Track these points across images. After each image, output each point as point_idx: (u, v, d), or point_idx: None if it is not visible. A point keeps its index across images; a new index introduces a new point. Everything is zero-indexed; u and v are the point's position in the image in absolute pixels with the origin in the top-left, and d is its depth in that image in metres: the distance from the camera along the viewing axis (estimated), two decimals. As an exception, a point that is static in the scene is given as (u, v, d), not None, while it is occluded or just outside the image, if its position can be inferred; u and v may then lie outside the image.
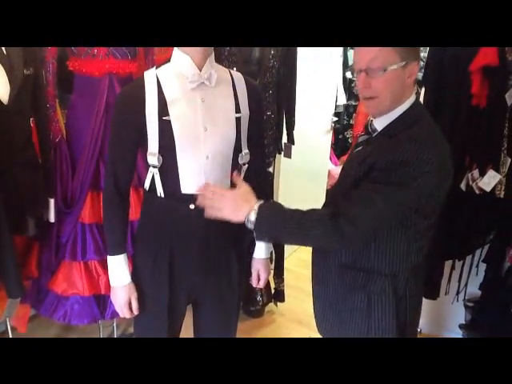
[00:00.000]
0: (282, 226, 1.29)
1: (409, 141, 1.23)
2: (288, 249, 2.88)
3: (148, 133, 1.40)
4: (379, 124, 1.35)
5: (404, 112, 1.31)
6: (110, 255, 1.53)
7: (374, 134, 1.36)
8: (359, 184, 1.27)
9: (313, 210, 1.29)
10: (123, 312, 1.58)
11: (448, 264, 2.38)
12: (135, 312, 1.60)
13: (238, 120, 1.48)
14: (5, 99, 1.66)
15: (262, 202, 1.32)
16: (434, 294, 2.31)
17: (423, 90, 2.22)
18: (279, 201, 2.92)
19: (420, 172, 1.20)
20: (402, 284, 1.37)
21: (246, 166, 1.55)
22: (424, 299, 2.34)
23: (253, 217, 1.29)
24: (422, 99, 2.26)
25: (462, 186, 2.13)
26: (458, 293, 2.45)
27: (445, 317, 2.80)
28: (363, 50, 1.27)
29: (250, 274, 1.74)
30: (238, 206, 1.32)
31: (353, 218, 1.22)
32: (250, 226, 1.31)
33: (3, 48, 1.65)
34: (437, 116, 2.09)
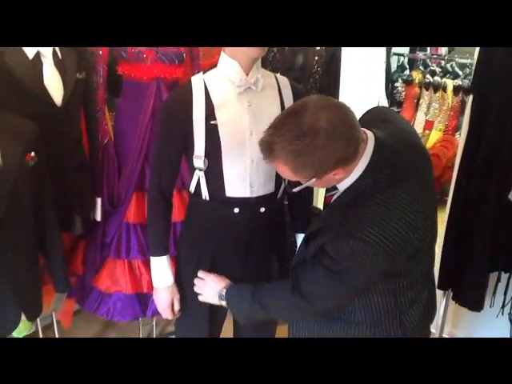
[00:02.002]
0: (248, 307, 1.37)
1: (348, 233, 1.12)
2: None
3: (194, 137, 1.43)
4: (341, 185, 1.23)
5: (358, 178, 1.18)
6: (153, 256, 1.57)
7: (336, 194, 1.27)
8: (312, 258, 1.22)
9: (271, 286, 1.37)
10: (165, 313, 1.61)
11: (493, 276, 2.31)
12: (177, 313, 1.62)
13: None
14: (58, 102, 1.72)
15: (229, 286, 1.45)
16: (478, 306, 2.24)
17: (471, 97, 2.17)
18: (318, 205, 2.90)
19: (365, 266, 1.12)
20: (395, 326, 1.29)
21: (290, 170, 1.55)
22: (467, 311, 2.30)
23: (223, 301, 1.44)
24: (469, 107, 2.22)
25: (510, 196, 2.07)
26: (503, 306, 2.37)
27: (488, 331, 2.72)
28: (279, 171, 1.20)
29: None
30: (214, 287, 1.47)
31: (308, 296, 1.22)
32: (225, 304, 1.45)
33: (58, 53, 1.71)
34: (483, 124, 2.04)
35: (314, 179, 1.15)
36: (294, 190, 1.26)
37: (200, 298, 1.53)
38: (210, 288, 1.49)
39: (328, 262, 1.16)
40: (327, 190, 1.45)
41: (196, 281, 1.53)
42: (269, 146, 1.12)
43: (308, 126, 1.06)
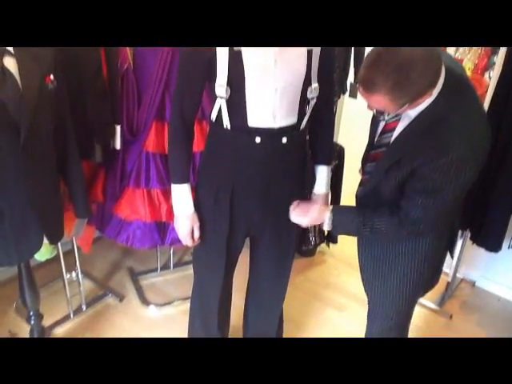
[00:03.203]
0: (356, 230, 1.48)
1: (440, 151, 1.23)
2: (345, 189, 2.84)
3: (217, 64, 1.38)
4: (412, 112, 1.32)
5: (432, 103, 1.28)
6: (175, 183, 1.57)
7: (403, 124, 1.37)
8: (404, 184, 1.35)
9: (380, 215, 1.42)
10: (186, 240, 1.63)
11: (513, 218, 2.29)
12: (196, 241, 1.65)
13: (309, 53, 1.42)
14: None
15: (334, 208, 1.51)
16: (496, 247, 2.24)
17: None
18: (338, 142, 2.86)
19: (461, 175, 1.25)
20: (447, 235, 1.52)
21: (315, 100, 1.51)
22: (484, 251, 2.30)
23: (328, 222, 1.51)
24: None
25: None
26: (521, 248, 2.36)
27: (504, 271, 2.73)
28: (369, 101, 1.27)
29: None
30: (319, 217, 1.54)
31: (415, 220, 1.35)
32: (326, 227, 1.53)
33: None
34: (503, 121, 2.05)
35: (407, 105, 1.23)
36: (386, 119, 1.36)
37: (302, 222, 1.58)
38: (314, 212, 1.54)
39: (422, 185, 1.29)
40: (374, 148, 1.51)
41: (298, 209, 1.56)
42: (370, 81, 1.19)
43: (406, 58, 1.15)
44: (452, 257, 1.64)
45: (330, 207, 1.52)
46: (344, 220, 1.51)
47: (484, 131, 1.32)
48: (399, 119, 1.38)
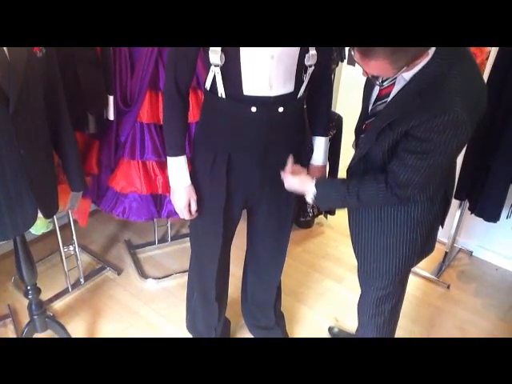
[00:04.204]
0: (341, 200, 1.44)
1: (437, 110, 1.20)
2: (343, 160, 2.81)
3: None
4: (406, 75, 1.29)
5: (427, 63, 1.25)
6: (170, 156, 1.54)
7: (397, 88, 1.33)
8: (396, 147, 1.32)
9: (366, 181, 1.38)
10: (183, 213, 1.61)
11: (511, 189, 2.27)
12: (194, 214, 1.63)
13: (306, 18, 1.38)
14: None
15: (317, 181, 1.47)
16: (494, 217, 2.23)
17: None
18: (336, 111, 2.82)
19: (456, 136, 1.22)
20: (442, 201, 1.50)
21: (312, 68, 1.47)
22: (482, 221, 2.29)
23: (310, 195, 1.47)
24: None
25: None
26: (519, 218, 2.35)
27: (501, 241, 2.74)
28: (365, 67, 1.24)
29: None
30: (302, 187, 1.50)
31: (404, 183, 1.32)
32: (309, 199, 1.49)
33: None
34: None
35: (405, 67, 1.21)
36: (383, 84, 1.35)
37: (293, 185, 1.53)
38: (299, 183, 1.50)
39: (415, 146, 1.26)
40: (369, 117, 1.47)
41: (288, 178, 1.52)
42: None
43: None
44: (442, 227, 1.61)
45: (314, 180, 1.48)
46: (328, 191, 1.47)
47: (481, 90, 1.30)
48: (393, 83, 1.35)
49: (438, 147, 1.23)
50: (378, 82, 1.33)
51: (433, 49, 1.22)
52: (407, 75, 1.28)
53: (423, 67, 1.24)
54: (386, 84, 1.36)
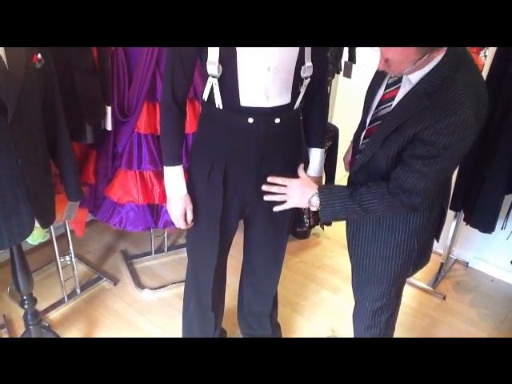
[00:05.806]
0: (345, 209, 1.40)
1: (447, 111, 1.20)
2: (340, 170, 2.83)
3: None
4: (413, 77, 1.30)
5: (436, 66, 1.25)
6: (167, 166, 1.55)
7: (403, 91, 1.33)
8: (403, 152, 1.31)
9: (369, 188, 1.36)
10: (179, 223, 1.62)
11: (508, 199, 2.29)
12: (190, 223, 1.63)
13: (302, 30, 1.39)
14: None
15: (322, 186, 1.45)
16: (489, 228, 2.24)
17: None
18: (333, 122, 2.84)
19: (464, 138, 1.22)
20: (439, 211, 1.51)
21: (308, 80, 1.48)
22: (478, 232, 2.30)
23: (315, 200, 1.44)
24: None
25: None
26: (514, 229, 2.37)
27: (497, 252, 2.74)
28: (388, 53, 1.23)
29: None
30: (304, 192, 1.46)
31: (410, 189, 1.31)
32: (314, 209, 1.46)
33: None
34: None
35: (426, 56, 1.19)
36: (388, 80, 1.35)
37: (286, 205, 1.51)
38: (298, 190, 1.47)
39: (423, 151, 1.26)
40: (370, 122, 1.47)
41: (276, 188, 1.49)
42: None
43: None
44: (437, 241, 1.61)
45: (316, 189, 1.45)
46: (330, 198, 1.43)
47: (483, 94, 1.31)
48: (398, 87, 1.35)
49: (445, 152, 1.23)
50: (390, 73, 1.33)
51: (444, 49, 1.23)
52: (414, 78, 1.28)
53: (431, 70, 1.25)
54: (389, 90, 1.37)
